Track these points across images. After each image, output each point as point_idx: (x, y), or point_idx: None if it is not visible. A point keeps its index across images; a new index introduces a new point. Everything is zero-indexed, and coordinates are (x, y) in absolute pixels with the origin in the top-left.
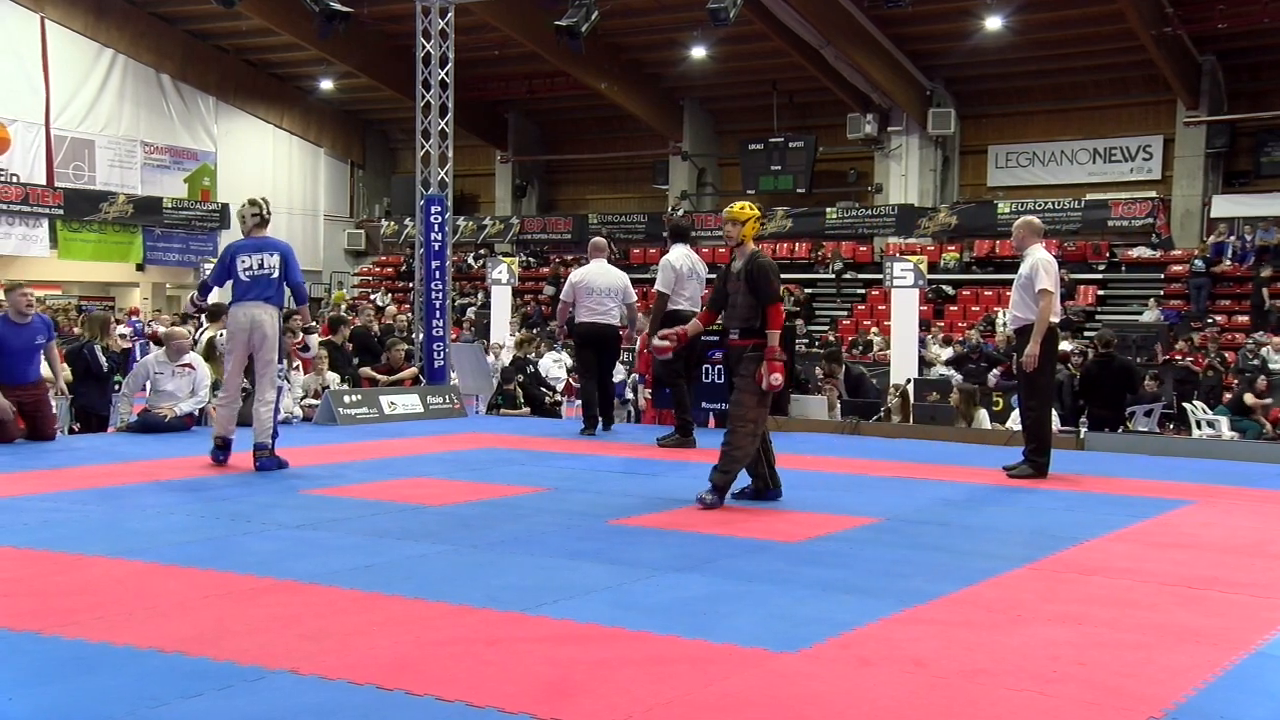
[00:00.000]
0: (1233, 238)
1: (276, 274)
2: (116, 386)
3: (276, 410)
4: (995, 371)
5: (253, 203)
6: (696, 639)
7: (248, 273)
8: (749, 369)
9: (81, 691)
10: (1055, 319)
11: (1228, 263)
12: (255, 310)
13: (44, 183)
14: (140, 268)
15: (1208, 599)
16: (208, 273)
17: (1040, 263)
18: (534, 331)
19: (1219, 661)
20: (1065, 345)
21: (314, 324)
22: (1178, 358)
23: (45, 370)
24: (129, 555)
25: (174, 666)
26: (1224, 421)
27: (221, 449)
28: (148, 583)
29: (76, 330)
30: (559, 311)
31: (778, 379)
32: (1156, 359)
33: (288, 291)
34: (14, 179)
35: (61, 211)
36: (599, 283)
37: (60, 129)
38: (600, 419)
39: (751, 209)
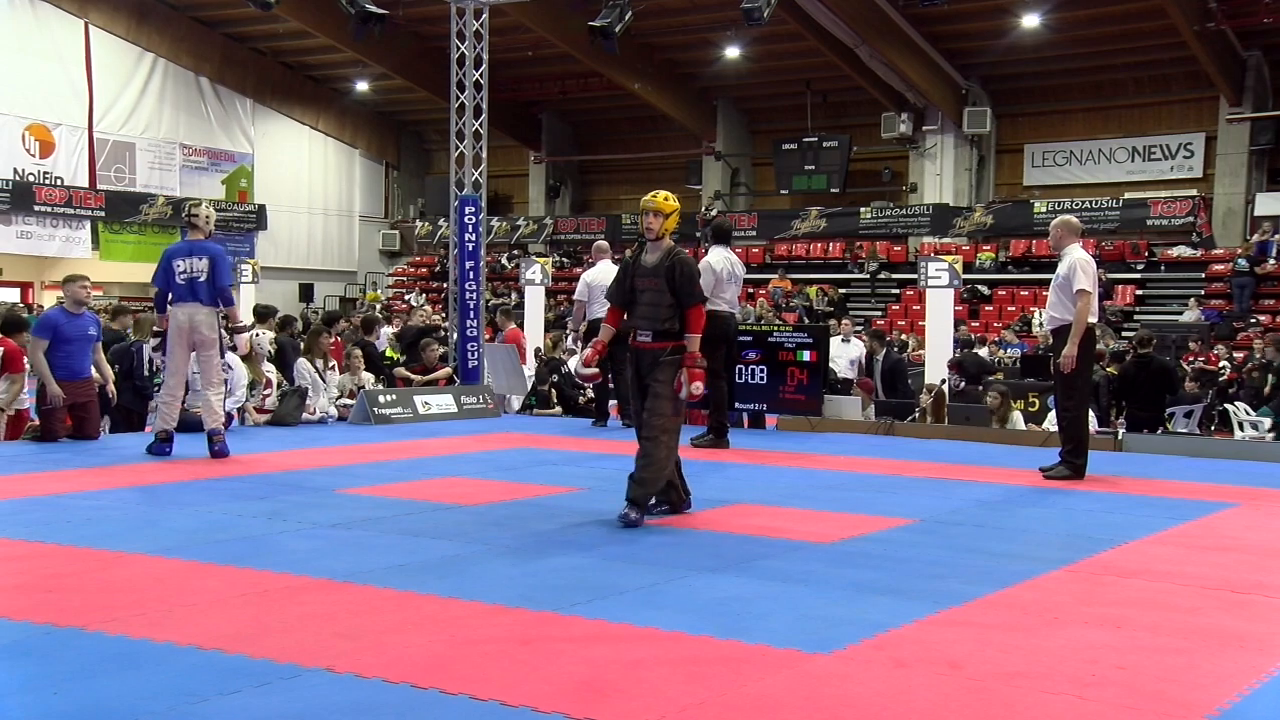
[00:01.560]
0: (1277, 236)
1: (205, 277)
2: (157, 387)
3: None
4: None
5: (183, 208)
6: (730, 640)
7: (183, 275)
8: (667, 375)
9: (124, 687)
10: (1092, 319)
11: (1272, 262)
12: (193, 311)
13: (86, 185)
14: None
15: (1251, 604)
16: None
17: (1078, 263)
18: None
19: (1263, 667)
20: (1113, 344)
21: (240, 324)
22: (1190, 359)
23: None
24: (168, 553)
25: (212, 663)
26: (1267, 423)
27: (165, 441)
28: (187, 580)
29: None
30: (575, 311)
31: (698, 388)
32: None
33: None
34: (58, 182)
35: (103, 213)
36: (608, 280)
37: (102, 132)
38: (623, 416)
39: (676, 202)
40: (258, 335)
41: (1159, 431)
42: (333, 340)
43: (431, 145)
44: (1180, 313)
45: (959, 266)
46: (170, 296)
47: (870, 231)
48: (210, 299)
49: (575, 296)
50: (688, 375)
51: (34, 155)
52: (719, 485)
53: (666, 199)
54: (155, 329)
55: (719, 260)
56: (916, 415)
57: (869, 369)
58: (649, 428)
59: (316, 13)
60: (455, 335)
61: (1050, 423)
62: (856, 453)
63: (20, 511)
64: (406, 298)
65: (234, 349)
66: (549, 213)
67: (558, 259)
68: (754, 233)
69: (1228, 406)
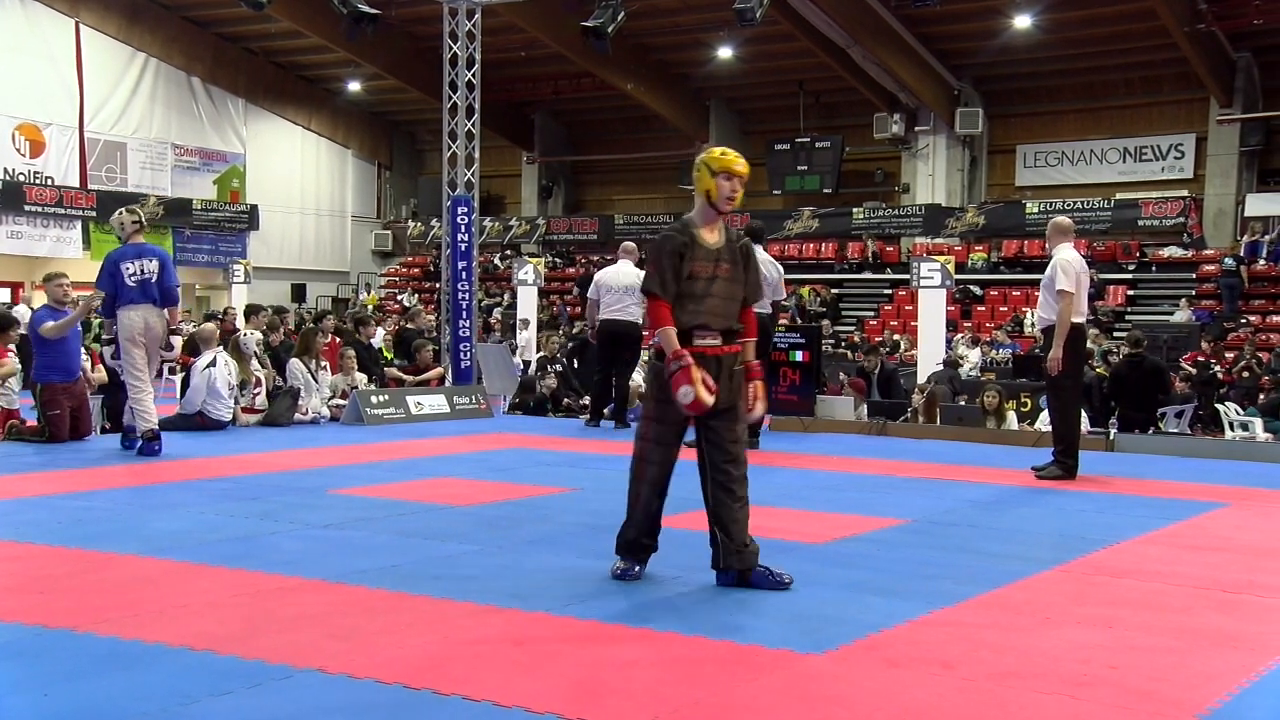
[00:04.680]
0: (1267, 236)
1: (155, 278)
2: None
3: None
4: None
5: (131, 210)
6: (723, 640)
7: (133, 278)
8: (741, 392)
9: (115, 688)
10: (1080, 319)
11: (1262, 262)
12: (146, 313)
13: (77, 185)
14: None
15: (1242, 603)
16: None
17: (1059, 263)
18: (560, 332)
19: (1253, 666)
20: (1104, 344)
21: (177, 326)
22: (1199, 358)
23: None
24: (160, 554)
25: (204, 664)
26: (1258, 423)
27: (153, 440)
28: (178, 581)
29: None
30: (588, 308)
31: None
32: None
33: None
34: (49, 182)
35: (94, 214)
36: (616, 282)
37: (93, 132)
38: (614, 418)
39: None
40: (244, 335)
41: (1150, 432)
42: (327, 340)
43: (424, 145)
44: (1171, 313)
45: (951, 267)
46: (119, 299)
47: (863, 232)
48: (161, 300)
49: (589, 295)
50: (760, 389)
51: (24, 155)
52: None
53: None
54: (105, 336)
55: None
56: (909, 415)
57: (864, 376)
58: (738, 465)
59: (308, 12)
60: (448, 336)
61: (1043, 423)
62: (849, 453)
63: (11, 513)
64: (399, 298)
65: (169, 348)
66: (542, 213)
67: (550, 259)
68: (743, 230)
69: (1219, 407)
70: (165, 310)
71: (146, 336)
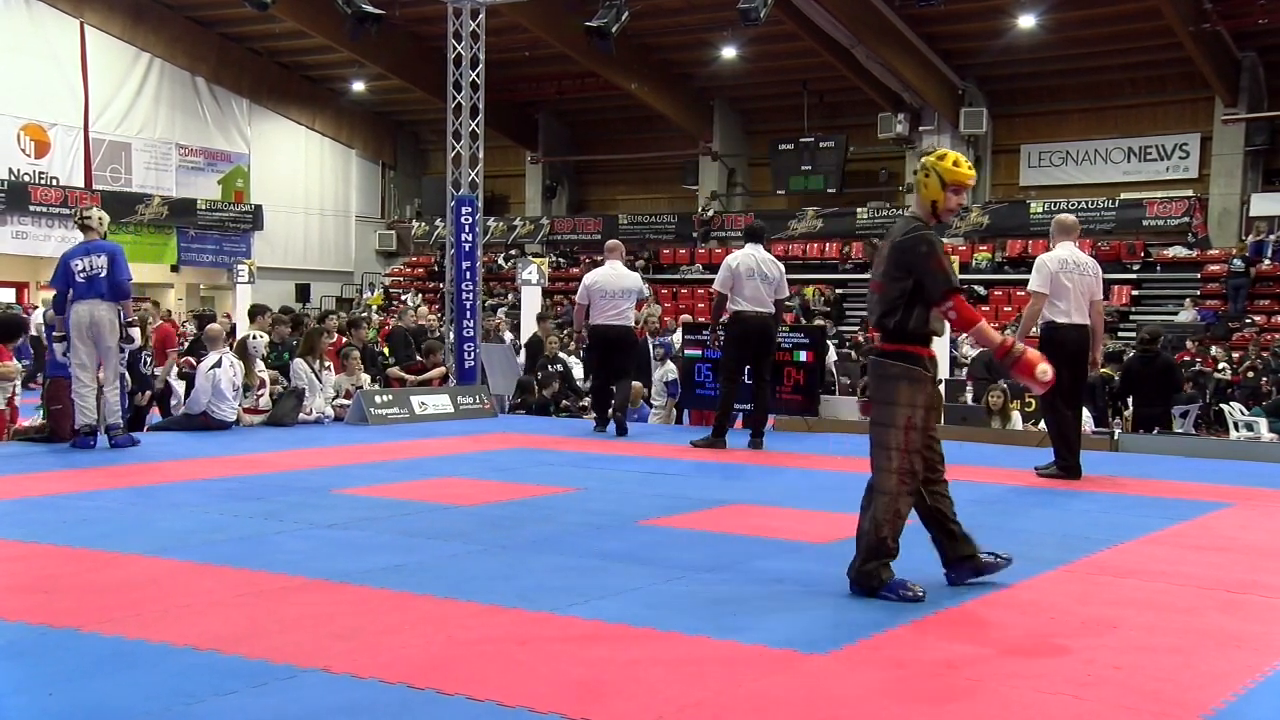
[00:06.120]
0: (1272, 236)
1: (105, 273)
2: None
3: (123, 392)
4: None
5: (74, 211)
6: (727, 639)
7: (82, 274)
8: None
9: (119, 688)
10: (1063, 319)
11: (1267, 262)
12: (93, 307)
13: (82, 185)
14: (175, 269)
15: (1247, 603)
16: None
17: (1035, 262)
18: (564, 332)
19: (1258, 667)
20: (1110, 344)
21: (134, 319)
22: (1185, 357)
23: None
24: (164, 553)
25: (208, 664)
26: (1262, 423)
27: (89, 435)
28: (182, 581)
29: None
30: (575, 313)
31: None
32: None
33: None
34: (54, 182)
35: None
36: (612, 285)
37: (98, 132)
38: (614, 420)
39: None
40: (253, 338)
41: (1154, 431)
42: (332, 340)
43: (428, 145)
44: (1176, 313)
45: (956, 267)
46: (70, 295)
47: (867, 231)
48: (111, 294)
49: (576, 299)
50: None
51: (29, 155)
52: (716, 485)
53: None
54: (57, 332)
55: (738, 257)
56: None
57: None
58: (944, 460)
59: (312, 12)
60: (452, 335)
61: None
62: (853, 453)
63: (16, 512)
64: (403, 298)
65: (130, 341)
66: (545, 213)
67: (554, 259)
68: (734, 234)
69: (1224, 407)
70: (119, 304)
71: (92, 330)
